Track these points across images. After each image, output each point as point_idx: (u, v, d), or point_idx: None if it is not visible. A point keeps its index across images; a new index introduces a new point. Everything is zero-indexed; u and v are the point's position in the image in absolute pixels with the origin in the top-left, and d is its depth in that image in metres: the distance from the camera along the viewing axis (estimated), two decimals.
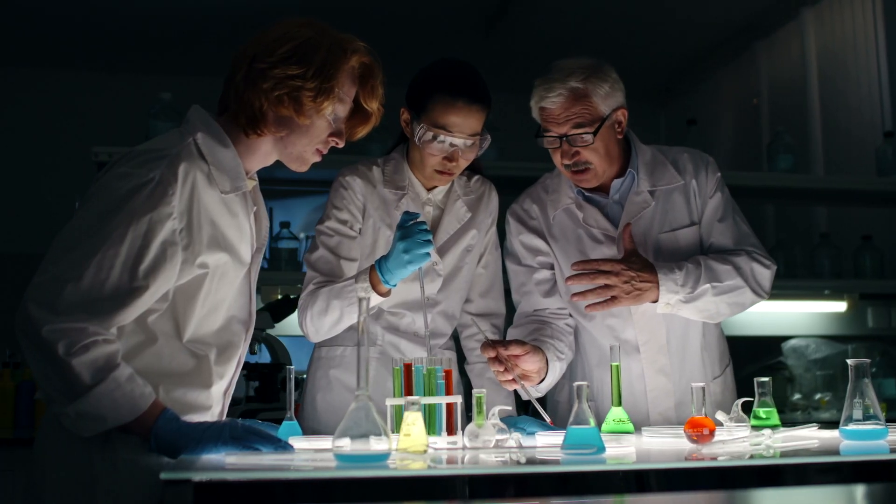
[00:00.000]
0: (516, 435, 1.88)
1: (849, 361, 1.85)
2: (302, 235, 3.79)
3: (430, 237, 2.12)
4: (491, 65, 5.14)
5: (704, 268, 2.33)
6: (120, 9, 3.90)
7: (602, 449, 1.62)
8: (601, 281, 2.28)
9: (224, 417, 1.95)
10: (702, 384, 1.88)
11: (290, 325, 3.33)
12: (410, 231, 2.11)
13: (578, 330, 2.54)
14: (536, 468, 1.44)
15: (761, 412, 2.11)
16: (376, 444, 1.48)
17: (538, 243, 2.54)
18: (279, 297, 3.28)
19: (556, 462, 1.56)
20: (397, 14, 4.23)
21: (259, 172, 3.77)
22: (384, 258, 2.18)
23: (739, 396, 2.16)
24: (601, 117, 2.36)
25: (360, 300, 1.55)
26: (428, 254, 2.11)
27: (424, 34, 4.53)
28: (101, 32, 4.08)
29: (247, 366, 3.10)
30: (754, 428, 2.03)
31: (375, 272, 2.19)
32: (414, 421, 1.66)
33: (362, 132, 2.00)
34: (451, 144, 2.32)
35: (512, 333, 2.47)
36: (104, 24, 4.00)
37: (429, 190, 2.47)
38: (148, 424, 1.67)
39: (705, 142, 4.49)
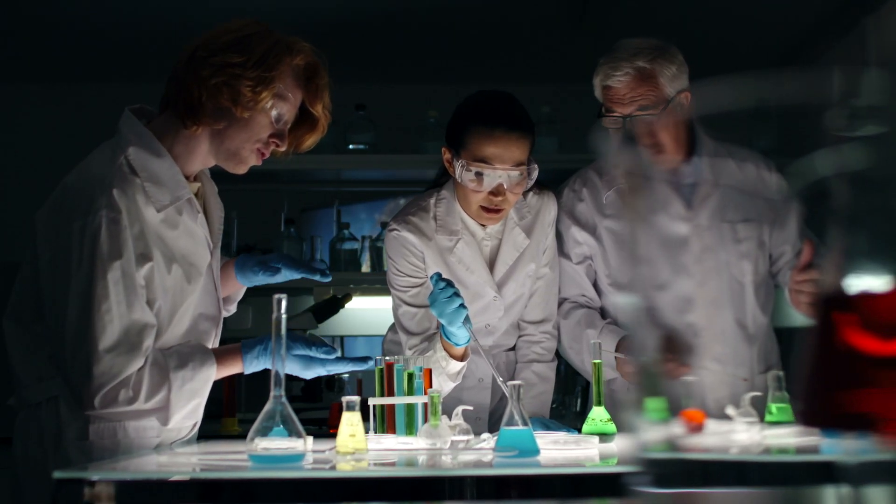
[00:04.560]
0: (486, 435, 1.83)
1: None
2: (359, 237, 3.82)
3: (453, 291, 2.04)
4: (584, 54, 5.05)
5: None
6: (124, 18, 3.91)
7: (532, 452, 1.56)
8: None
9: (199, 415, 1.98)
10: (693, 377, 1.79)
11: (333, 325, 3.36)
12: (434, 298, 2.05)
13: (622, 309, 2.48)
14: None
15: (773, 408, 1.99)
16: (291, 444, 1.48)
17: (579, 234, 2.49)
18: (328, 297, 3.31)
19: (477, 465, 1.51)
20: (486, 11, 4.19)
21: (326, 174, 3.90)
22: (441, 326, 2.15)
23: None
24: (666, 99, 2.31)
25: (278, 300, 1.55)
26: (461, 306, 2.04)
27: (514, 29, 4.48)
28: (96, 42, 4.11)
29: None
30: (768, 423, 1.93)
31: (444, 339, 2.16)
32: (354, 421, 1.64)
33: (310, 140, 1.97)
34: (495, 178, 2.21)
35: (591, 334, 2.42)
36: (103, 35, 4.03)
37: (484, 226, 2.38)
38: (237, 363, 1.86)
39: None
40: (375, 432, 1.96)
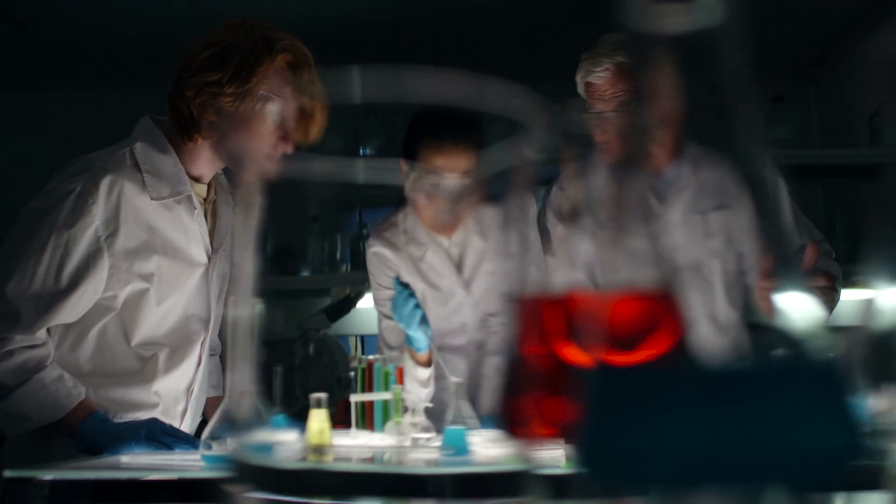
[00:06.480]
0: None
1: None
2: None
3: (409, 293, 2.12)
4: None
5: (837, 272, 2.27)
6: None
7: (463, 451, 1.57)
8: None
9: (188, 413, 2.02)
10: None
11: (347, 324, 3.41)
12: (394, 302, 2.14)
13: None
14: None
15: None
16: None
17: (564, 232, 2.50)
18: (342, 296, 3.36)
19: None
20: (502, 10, 4.19)
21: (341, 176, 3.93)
22: None
23: None
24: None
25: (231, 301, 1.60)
26: (416, 306, 2.12)
27: (530, 27, 4.47)
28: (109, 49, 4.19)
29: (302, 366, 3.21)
30: None
31: (408, 345, 2.24)
32: (321, 418, 1.69)
33: (314, 130, 1.97)
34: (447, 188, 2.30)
35: None
36: (123, 41, 4.09)
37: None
38: (75, 424, 1.77)
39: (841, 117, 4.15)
40: (357, 428, 2.01)
